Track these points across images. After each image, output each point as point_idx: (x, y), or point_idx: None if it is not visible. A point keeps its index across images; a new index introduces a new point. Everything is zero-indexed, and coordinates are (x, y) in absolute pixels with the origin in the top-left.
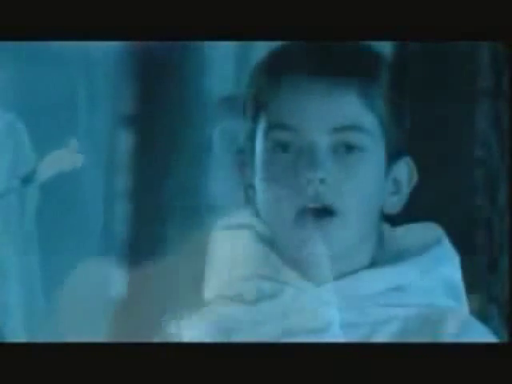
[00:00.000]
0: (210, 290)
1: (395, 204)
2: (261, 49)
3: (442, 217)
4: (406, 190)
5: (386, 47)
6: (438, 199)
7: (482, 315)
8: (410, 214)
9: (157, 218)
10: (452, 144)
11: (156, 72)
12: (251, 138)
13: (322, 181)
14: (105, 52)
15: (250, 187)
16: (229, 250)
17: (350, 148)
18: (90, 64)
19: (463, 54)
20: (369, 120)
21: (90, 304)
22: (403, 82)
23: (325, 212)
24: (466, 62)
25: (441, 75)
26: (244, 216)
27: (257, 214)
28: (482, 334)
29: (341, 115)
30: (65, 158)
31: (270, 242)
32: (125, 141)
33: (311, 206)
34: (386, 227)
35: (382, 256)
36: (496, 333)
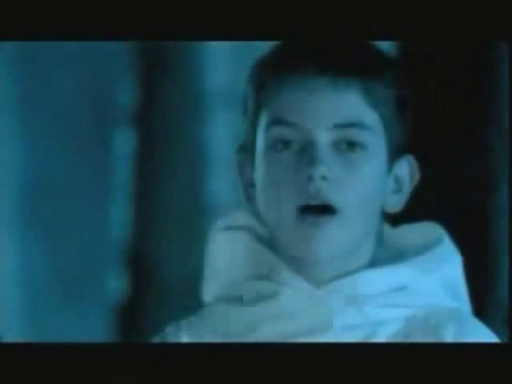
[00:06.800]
0: (208, 291)
1: (396, 203)
2: (261, 48)
3: (442, 216)
4: (407, 189)
5: (388, 45)
6: (438, 199)
7: (482, 315)
8: (410, 213)
9: (157, 217)
10: (452, 144)
11: (156, 71)
12: (252, 134)
13: (323, 178)
14: (105, 51)
15: (250, 185)
16: (227, 251)
17: (351, 145)
18: (89, 64)
19: (464, 53)
20: (371, 117)
21: (90, 304)
22: (406, 80)
23: (326, 210)
24: (467, 61)
25: (442, 74)
26: (242, 217)
27: (257, 212)
28: (483, 334)
29: (343, 112)
30: None
31: (268, 243)
32: (125, 141)
33: (312, 203)
34: (387, 226)
35: (383, 255)
36: (497, 333)
